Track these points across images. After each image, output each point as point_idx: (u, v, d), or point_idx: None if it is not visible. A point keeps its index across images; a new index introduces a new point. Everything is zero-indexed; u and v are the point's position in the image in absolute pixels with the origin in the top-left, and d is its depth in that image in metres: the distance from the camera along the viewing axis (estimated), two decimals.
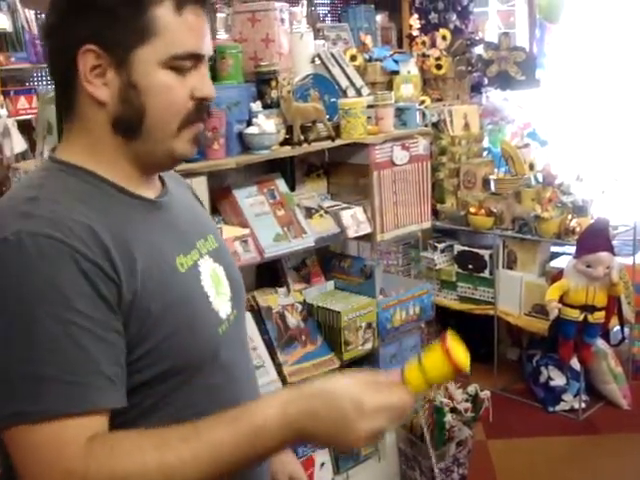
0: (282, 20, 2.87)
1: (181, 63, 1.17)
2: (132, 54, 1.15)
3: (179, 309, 1.18)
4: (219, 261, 1.34)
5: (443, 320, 4.44)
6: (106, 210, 1.16)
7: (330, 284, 3.10)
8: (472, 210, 4.22)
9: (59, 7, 1.18)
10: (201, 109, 1.22)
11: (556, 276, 3.86)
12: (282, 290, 2.92)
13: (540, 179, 4.27)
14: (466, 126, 4.56)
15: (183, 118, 1.20)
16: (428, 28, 5.19)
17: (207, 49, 1.22)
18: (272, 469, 1.54)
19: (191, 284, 1.24)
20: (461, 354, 1.14)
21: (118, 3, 1.13)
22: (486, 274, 4.26)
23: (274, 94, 2.75)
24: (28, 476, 1.04)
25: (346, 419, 1.08)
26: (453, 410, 3.13)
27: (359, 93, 3.11)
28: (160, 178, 1.34)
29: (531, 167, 4.35)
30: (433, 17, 5.32)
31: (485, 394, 3.21)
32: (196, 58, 1.19)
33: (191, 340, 1.19)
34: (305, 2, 3.34)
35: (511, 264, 4.21)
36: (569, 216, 3.90)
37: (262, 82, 2.76)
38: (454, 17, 5.36)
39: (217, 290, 1.29)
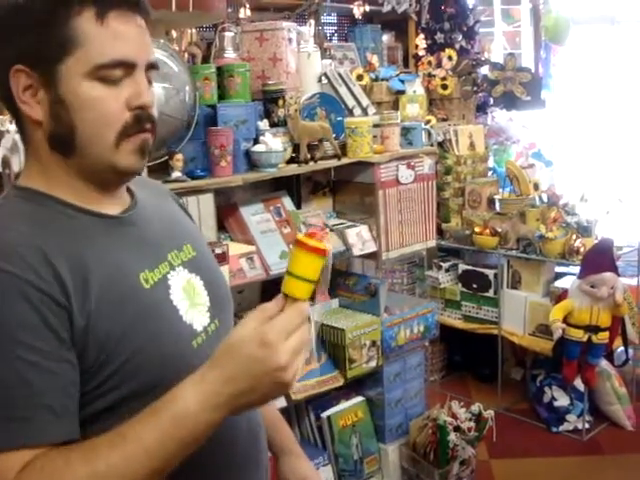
0: (290, 39, 2.90)
1: (109, 73, 1.13)
2: (57, 68, 1.12)
3: (142, 326, 1.14)
4: (196, 271, 1.30)
5: (447, 339, 4.46)
6: (62, 233, 1.14)
7: (335, 302, 3.11)
8: (477, 230, 4.23)
9: None
10: (141, 119, 1.17)
11: (560, 296, 3.86)
12: None
13: (545, 199, 4.28)
14: (471, 146, 4.58)
15: (120, 130, 1.15)
16: (434, 48, 5.21)
17: (140, 56, 1.16)
18: (283, 474, 1.52)
19: (156, 299, 1.20)
20: (312, 240, 1.08)
21: (36, 20, 1.11)
22: (490, 293, 4.26)
23: (281, 113, 2.78)
24: None
25: (256, 361, 1.03)
26: (457, 429, 3.12)
27: (365, 112, 3.14)
28: (128, 189, 1.30)
29: (536, 187, 4.36)
30: (439, 37, 5.33)
31: (489, 413, 3.20)
32: (126, 66, 1.14)
33: (158, 357, 1.16)
34: (313, 22, 3.37)
35: (515, 284, 4.21)
36: (573, 236, 3.90)
37: (269, 100, 2.79)
38: (460, 37, 5.37)
39: (192, 302, 1.26)
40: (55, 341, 1.06)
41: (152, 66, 1.21)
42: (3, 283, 1.04)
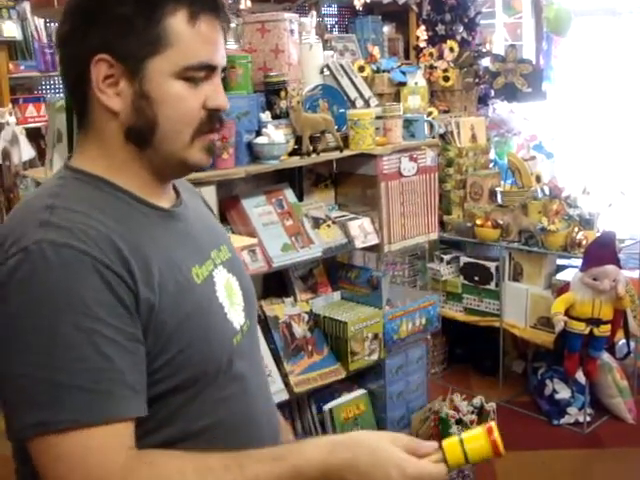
0: (291, 31, 2.88)
1: (194, 74, 1.17)
2: (145, 64, 1.15)
3: (195, 321, 1.17)
4: (232, 271, 1.34)
5: (448, 332, 4.46)
6: (123, 219, 1.15)
7: (337, 294, 3.10)
8: (478, 222, 4.22)
9: (73, 16, 1.18)
10: (213, 119, 1.22)
11: (562, 289, 3.86)
12: (289, 300, 2.92)
13: (547, 192, 4.27)
14: (473, 138, 4.57)
15: (195, 128, 1.20)
16: (435, 40, 5.21)
17: (220, 60, 1.21)
18: None
19: (207, 295, 1.23)
20: (502, 441, 1.15)
21: (132, 13, 1.13)
22: (492, 286, 4.26)
23: (283, 104, 2.76)
24: None
25: None
26: (458, 422, 3.12)
27: (367, 104, 3.12)
28: (174, 188, 1.33)
29: (537, 179, 4.36)
30: (440, 29, 5.33)
31: (490, 406, 3.20)
32: (209, 69, 1.19)
33: (207, 352, 1.19)
34: (314, 13, 3.35)
35: (517, 276, 4.21)
36: (575, 229, 3.90)
37: (271, 92, 2.77)
38: (461, 29, 5.37)
39: (231, 301, 1.29)
40: (129, 320, 1.09)
41: (224, 69, 1.26)
42: (78, 260, 1.06)
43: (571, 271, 3.98)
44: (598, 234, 3.84)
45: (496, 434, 1.14)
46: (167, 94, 1.16)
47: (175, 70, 1.15)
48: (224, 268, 1.31)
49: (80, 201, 1.14)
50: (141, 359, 1.10)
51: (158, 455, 1.07)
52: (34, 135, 4.53)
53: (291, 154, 2.76)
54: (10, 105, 4.41)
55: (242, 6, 3.66)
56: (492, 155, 4.82)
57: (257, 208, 2.78)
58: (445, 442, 1.15)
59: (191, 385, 1.17)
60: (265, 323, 2.78)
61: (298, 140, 2.76)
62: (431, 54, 4.91)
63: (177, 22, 1.15)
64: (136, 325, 1.10)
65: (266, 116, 2.70)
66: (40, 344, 1.03)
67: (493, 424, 1.15)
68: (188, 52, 1.16)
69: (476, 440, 1.14)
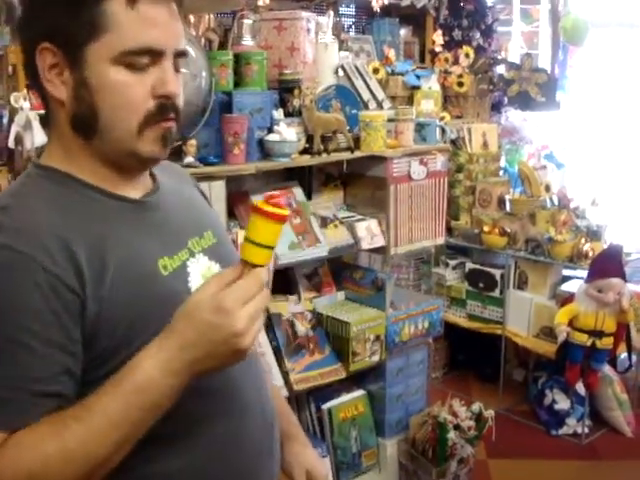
0: (308, 30, 2.89)
1: (136, 59, 1.12)
2: (84, 51, 1.12)
3: (157, 314, 1.13)
4: (216, 258, 1.30)
5: (451, 337, 4.46)
6: (82, 215, 1.14)
7: (341, 294, 3.11)
8: (486, 229, 4.22)
9: (23, 4, 1.18)
10: (165, 108, 1.16)
11: (566, 299, 3.86)
12: (293, 298, 2.93)
13: (555, 202, 4.27)
14: (484, 144, 4.57)
15: (143, 117, 1.15)
16: (451, 45, 5.20)
17: (168, 43, 1.15)
18: (287, 461, 1.50)
19: (174, 287, 1.19)
20: (270, 206, 1.07)
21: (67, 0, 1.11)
22: (496, 293, 4.26)
23: (296, 102, 2.77)
24: None
25: (214, 326, 1.04)
26: (456, 427, 3.12)
27: (380, 106, 3.13)
28: (151, 175, 1.30)
29: (547, 189, 4.36)
30: (457, 34, 5.32)
31: (489, 413, 3.20)
32: (154, 53, 1.13)
33: None
34: (331, 13, 3.36)
35: (522, 285, 4.21)
36: (582, 240, 3.90)
37: (285, 90, 2.78)
38: (478, 35, 5.36)
39: None
40: (55, 327, 1.07)
41: (181, 54, 1.19)
42: (15, 263, 1.05)
43: (576, 282, 3.97)
44: (605, 246, 3.83)
45: (263, 205, 1.06)
46: (106, 81, 1.12)
47: (113, 55, 1.11)
48: (205, 255, 1.28)
49: (38, 199, 1.13)
50: (61, 369, 1.08)
51: (25, 432, 1.05)
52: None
53: (302, 152, 2.77)
54: (25, 90, 4.42)
55: (260, 3, 3.65)
56: (502, 163, 4.81)
57: None
58: (241, 252, 1.09)
59: None
60: (268, 320, 2.79)
61: (309, 139, 2.77)
62: (446, 59, 4.91)
63: (115, 5, 1.10)
64: (67, 334, 1.08)
65: (279, 113, 2.71)
66: None
67: (257, 201, 1.08)
68: (127, 36, 1.11)
69: (255, 223, 1.07)
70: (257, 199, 1.07)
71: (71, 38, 1.11)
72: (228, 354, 1.06)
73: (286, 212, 1.07)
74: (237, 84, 2.69)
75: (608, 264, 3.64)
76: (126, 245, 1.15)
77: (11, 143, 4.42)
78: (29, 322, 1.05)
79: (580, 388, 3.94)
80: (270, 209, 1.06)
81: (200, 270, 1.26)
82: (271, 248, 1.08)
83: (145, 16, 1.12)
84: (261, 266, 1.08)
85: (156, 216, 1.25)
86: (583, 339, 3.69)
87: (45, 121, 1.23)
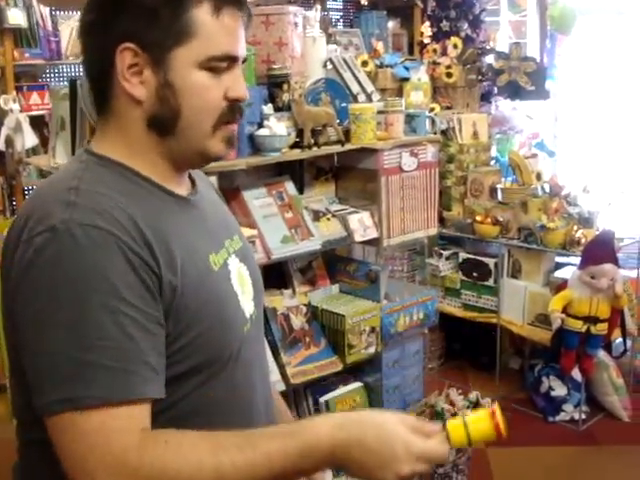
0: (296, 24, 2.89)
1: (217, 64, 1.19)
2: (170, 54, 1.17)
3: (214, 307, 1.20)
4: (244, 261, 1.36)
5: (446, 327, 4.47)
6: (144, 204, 1.17)
7: (335, 287, 3.12)
8: (478, 218, 4.23)
9: (98, 5, 1.20)
10: (234, 110, 1.23)
11: (560, 286, 3.87)
12: (287, 292, 2.94)
13: (547, 189, 4.28)
14: (475, 134, 4.57)
15: (217, 118, 1.21)
16: (439, 36, 5.21)
17: (242, 51, 1.24)
18: None
19: (223, 283, 1.26)
20: (505, 424, 1.18)
21: (159, 4, 1.15)
22: (490, 282, 4.27)
23: (286, 97, 2.77)
24: (76, 464, 1.05)
25: (394, 457, 1.12)
26: (454, 416, 3.13)
27: (370, 99, 3.13)
28: (190, 176, 1.35)
29: (538, 177, 4.36)
30: (445, 25, 5.32)
31: (486, 402, 3.22)
32: (231, 59, 1.21)
33: (222, 337, 1.22)
34: (318, 7, 3.36)
35: (515, 273, 4.22)
36: (575, 227, 3.91)
37: (274, 85, 2.79)
38: (466, 26, 5.37)
39: (243, 289, 1.31)
40: (152, 302, 1.10)
41: (245, 60, 1.27)
42: (105, 240, 1.07)
43: (569, 269, 3.99)
44: (597, 233, 3.85)
45: (499, 417, 1.17)
46: (191, 84, 1.18)
47: (199, 60, 1.18)
48: (236, 257, 1.34)
49: (103, 185, 1.16)
50: (161, 342, 1.12)
51: (172, 434, 1.08)
52: (37, 123, 4.54)
53: (292, 147, 2.77)
54: (14, 92, 4.42)
55: None
56: (493, 152, 4.82)
57: (257, 200, 2.79)
58: (449, 423, 1.18)
59: (204, 369, 1.19)
60: (263, 314, 2.79)
61: (300, 133, 2.77)
62: (435, 50, 4.92)
63: (202, 13, 1.17)
64: (158, 308, 1.11)
65: (268, 108, 2.72)
66: (68, 323, 1.04)
67: (496, 406, 1.18)
68: (212, 43, 1.18)
69: (479, 422, 1.17)
70: (496, 409, 1.21)
71: (158, 41, 1.16)
72: (376, 476, 1.13)
73: (502, 435, 1.17)
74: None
75: (600, 250, 3.66)
76: (184, 238, 1.20)
77: (1, 145, 4.42)
78: (130, 296, 1.07)
79: (576, 374, 3.96)
80: (501, 422, 1.17)
81: (235, 270, 1.31)
82: (470, 444, 1.19)
83: (227, 25, 1.19)
84: (451, 446, 1.17)
85: (201, 214, 1.30)
86: (578, 325, 3.70)
87: (101, 113, 1.26)
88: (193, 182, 1.35)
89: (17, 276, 1.09)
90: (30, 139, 4.41)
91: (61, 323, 1.04)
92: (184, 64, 1.17)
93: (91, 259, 1.06)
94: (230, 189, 2.77)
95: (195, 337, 1.16)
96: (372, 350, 3.02)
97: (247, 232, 2.65)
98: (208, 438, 1.09)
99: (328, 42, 3.29)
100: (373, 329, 2.99)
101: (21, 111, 4.41)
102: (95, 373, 1.04)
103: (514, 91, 5.13)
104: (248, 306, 1.32)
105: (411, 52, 5.48)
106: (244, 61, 1.27)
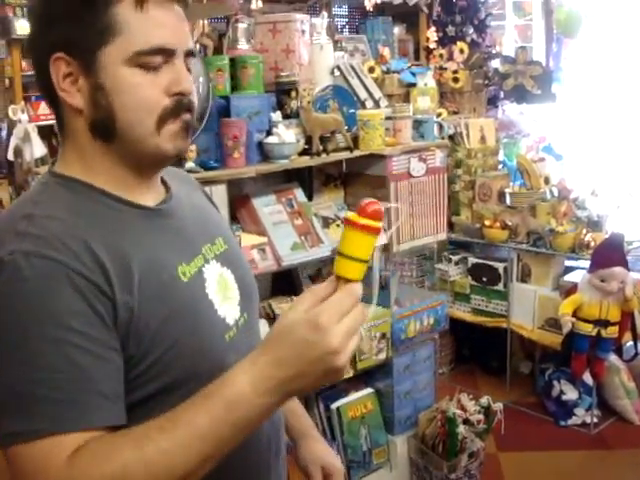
0: (302, 31, 2.91)
1: (148, 59, 1.14)
2: (97, 56, 1.13)
3: (180, 320, 1.15)
4: (227, 264, 1.31)
5: (456, 332, 4.47)
6: (103, 223, 1.14)
7: None
8: (487, 223, 4.23)
9: (32, 20, 1.18)
10: (180, 105, 1.18)
11: (570, 290, 3.87)
12: None
13: (555, 193, 4.28)
14: (482, 139, 4.58)
15: (159, 115, 1.16)
16: (445, 41, 5.21)
17: (179, 42, 1.17)
18: (302, 457, 1.51)
19: (194, 293, 1.20)
20: (363, 218, 1.03)
21: (79, 7, 1.12)
22: (500, 287, 4.27)
23: (294, 104, 2.78)
24: None
25: (309, 345, 1.00)
26: (466, 421, 3.13)
27: (377, 105, 3.14)
28: (163, 182, 1.31)
29: (546, 181, 4.37)
30: (450, 30, 5.33)
31: (497, 406, 3.21)
32: (166, 53, 1.15)
33: (196, 350, 1.16)
34: (325, 14, 3.37)
35: (525, 277, 4.22)
36: (584, 231, 3.91)
37: (282, 92, 2.80)
38: (471, 31, 5.37)
39: (224, 295, 1.27)
40: (103, 328, 1.06)
41: (190, 53, 1.21)
42: (51, 270, 1.05)
43: (579, 273, 3.98)
44: (606, 236, 3.84)
45: (360, 219, 1.02)
46: (121, 82, 1.14)
47: (127, 57, 1.13)
48: (217, 262, 1.29)
49: (58, 208, 1.13)
50: (116, 367, 1.08)
51: (96, 441, 1.03)
52: (46, 133, 4.55)
53: (301, 154, 2.78)
54: (22, 103, 4.44)
55: (253, 6, 3.67)
56: (501, 156, 4.82)
57: (267, 207, 2.80)
58: (335, 268, 1.04)
59: (181, 385, 1.14)
60: (274, 321, 2.79)
61: (308, 140, 2.78)
62: (441, 55, 4.92)
63: (123, 9, 1.12)
64: (111, 334, 1.07)
65: (277, 116, 2.72)
66: (12, 357, 1.02)
67: (351, 215, 1.04)
68: (138, 38, 1.13)
69: (348, 238, 1.03)
70: (348, 212, 1.02)
71: (83, 45, 1.13)
72: (323, 373, 1.02)
73: (380, 224, 1.03)
74: (234, 88, 2.70)
75: (610, 253, 3.65)
76: (147, 252, 1.16)
77: (10, 155, 4.43)
78: (78, 324, 1.04)
79: (587, 378, 3.95)
80: (364, 221, 1.03)
81: (214, 277, 1.26)
82: (365, 262, 1.04)
83: (154, 18, 1.14)
84: (356, 281, 1.04)
85: (171, 223, 1.25)
86: (588, 329, 3.69)
87: (59, 131, 1.23)
88: (167, 188, 1.31)
89: None
90: (39, 149, 4.41)
91: (6, 357, 1.02)
92: (112, 63, 1.13)
93: (35, 290, 1.03)
94: (239, 197, 2.78)
95: (162, 354, 1.11)
96: (383, 356, 3.02)
97: (257, 239, 2.66)
98: (131, 433, 1.04)
99: (335, 49, 3.30)
100: (384, 335, 3.00)
101: (29, 121, 4.42)
102: (37, 406, 1.01)
103: (520, 95, 5.13)
104: (232, 312, 1.27)
105: (417, 58, 5.49)
106: (192, 54, 1.22)
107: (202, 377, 1.12)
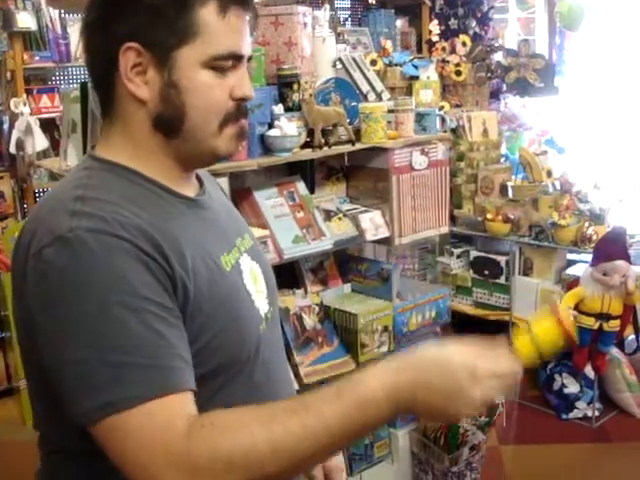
0: (305, 24, 2.90)
1: (221, 63, 1.18)
2: (174, 53, 1.16)
3: (228, 307, 1.19)
4: (256, 259, 1.35)
5: (457, 325, 4.47)
6: (152, 208, 1.16)
7: (347, 287, 3.12)
8: (489, 216, 4.23)
9: (100, 5, 1.18)
10: (240, 109, 1.22)
11: (572, 284, 3.87)
12: (299, 292, 2.94)
13: (558, 186, 4.28)
14: (484, 132, 4.57)
15: (223, 117, 1.20)
16: (448, 34, 5.21)
17: (247, 50, 1.23)
18: None
19: (236, 282, 1.25)
20: (572, 324, 1.07)
21: (163, 3, 1.14)
22: (502, 280, 4.27)
23: (296, 97, 2.77)
24: (129, 464, 1.02)
25: (460, 387, 1.05)
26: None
27: (380, 98, 3.13)
28: (197, 177, 1.34)
29: (549, 174, 4.36)
30: (453, 23, 5.33)
31: (499, 399, 3.21)
32: (236, 58, 1.20)
33: (239, 338, 1.20)
34: (327, 6, 3.36)
35: (527, 271, 4.22)
36: (586, 224, 3.90)
37: (284, 85, 2.79)
38: (474, 23, 5.37)
39: (256, 288, 1.30)
40: (170, 301, 1.09)
41: (250, 59, 1.26)
42: (116, 244, 1.06)
43: (581, 266, 3.98)
44: (609, 229, 3.84)
45: (566, 321, 1.07)
46: (196, 83, 1.17)
47: (204, 59, 1.17)
48: (248, 255, 1.33)
49: (108, 191, 1.14)
50: (185, 336, 1.11)
51: (217, 415, 1.05)
52: (48, 126, 4.56)
53: (303, 147, 2.77)
54: (24, 95, 4.44)
55: None
56: (503, 150, 4.82)
57: (269, 200, 2.79)
58: (516, 341, 1.09)
59: (223, 372, 1.18)
60: None
61: (310, 133, 2.77)
62: (444, 48, 4.92)
63: (207, 13, 1.16)
64: (175, 307, 1.10)
65: (279, 109, 2.72)
66: (92, 327, 1.03)
67: (560, 307, 1.08)
68: (217, 42, 1.17)
69: (547, 333, 1.07)
70: (558, 306, 1.06)
71: (161, 40, 1.15)
72: (450, 412, 1.07)
73: (575, 339, 1.08)
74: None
75: (612, 247, 3.65)
76: (194, 241, 1.18)
77: (12, 148, 4.44)
78: (151, 294, 1.06)
79: (589, 371, 3.95)
80: (570, 327, 1.07)
81: (247, 269, 1.30)
82: (542, 356, 1.10)
83: (232, 24, 1.18)
84: (522, 363, 1.09)
85: (210, 214, 1.29)
86: (590, 322, 3.69)
87: (104, 116, 1.25)
88: (201, 182, 1.34)
89: (31, 290, 1.07)
90: (41, 142, 4.42)
91: (86, 330, 1.03)
92: (189, 63, 1.16)
93: (106, 262, 1.04)
94: (241, 189, 2.77)
95: (210, 340, 1.15)
96: (385, 349, 3.02)
97: (258, 232, 2.65)
98: (255, 410, 1.06)
99: (337, 41, 3.29)
100: (386, 328, 2.99)
101: (31, 114, 4.42)
102: (129, 373, 1.02)
103: (523, 88, 5.13)
104: (262, 305, 1.31)
105: (420, 50, 5.49)
106: (249, 60, 1.26)
107: (242, 365, 1.20)
